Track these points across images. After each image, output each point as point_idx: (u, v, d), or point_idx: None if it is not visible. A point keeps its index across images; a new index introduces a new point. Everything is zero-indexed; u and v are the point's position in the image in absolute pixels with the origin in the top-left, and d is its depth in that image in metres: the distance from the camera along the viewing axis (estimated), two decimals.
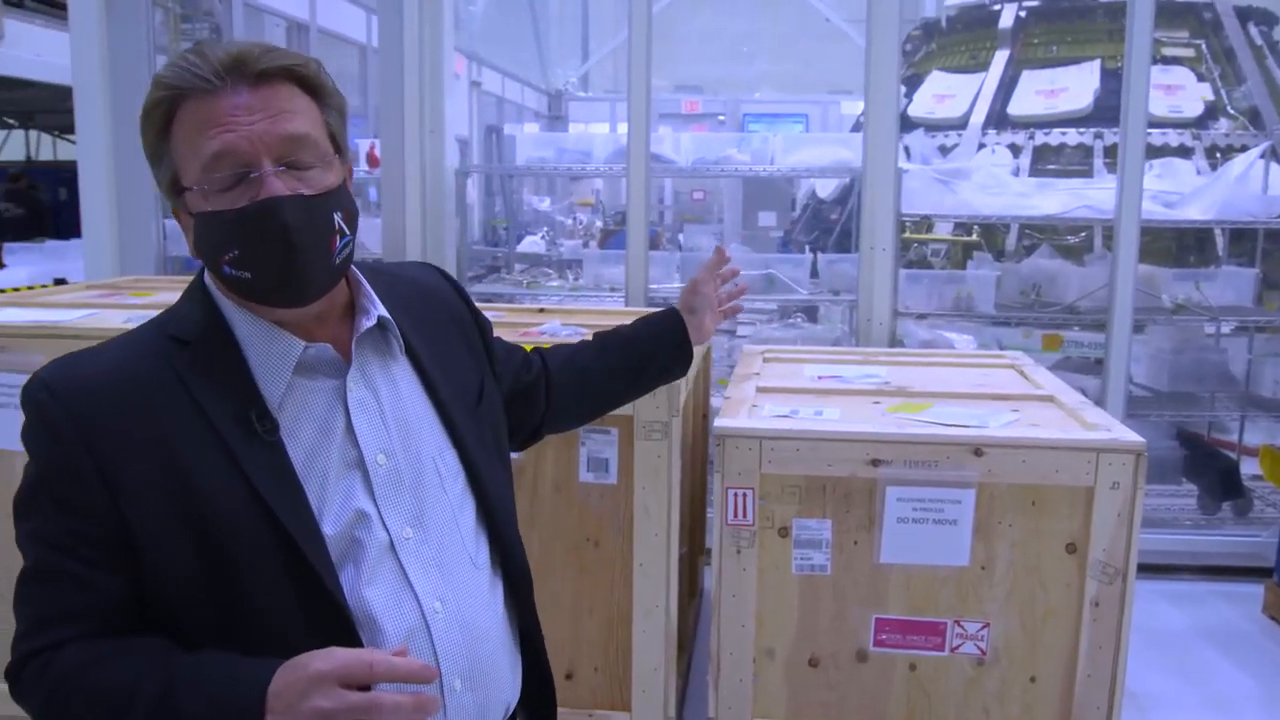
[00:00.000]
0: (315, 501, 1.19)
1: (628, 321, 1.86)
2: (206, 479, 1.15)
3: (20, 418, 1.18)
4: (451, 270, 4.64)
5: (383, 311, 1.29)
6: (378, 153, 4.60)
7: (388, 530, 1.23)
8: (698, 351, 1.98)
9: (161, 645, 1.15)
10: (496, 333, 1.58)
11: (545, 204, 11.06)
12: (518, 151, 7.23)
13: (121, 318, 2.95)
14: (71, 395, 1.16)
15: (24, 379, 3.23)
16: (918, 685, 2.44)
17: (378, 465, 1.24)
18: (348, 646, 1.09)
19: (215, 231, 1.16)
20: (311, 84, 1.21)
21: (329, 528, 1.19)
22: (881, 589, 2.42)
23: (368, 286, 1.31)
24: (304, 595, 1.16)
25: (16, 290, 5.07)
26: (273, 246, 1.15)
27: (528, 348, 1.73)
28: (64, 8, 4.53)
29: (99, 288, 3.90)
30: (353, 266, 1.32)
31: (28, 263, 7.01)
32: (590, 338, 1.85)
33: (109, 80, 4.41)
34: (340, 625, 1.16)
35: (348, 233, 1.22)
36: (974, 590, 2.39)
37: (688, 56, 14.70)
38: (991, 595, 2.39)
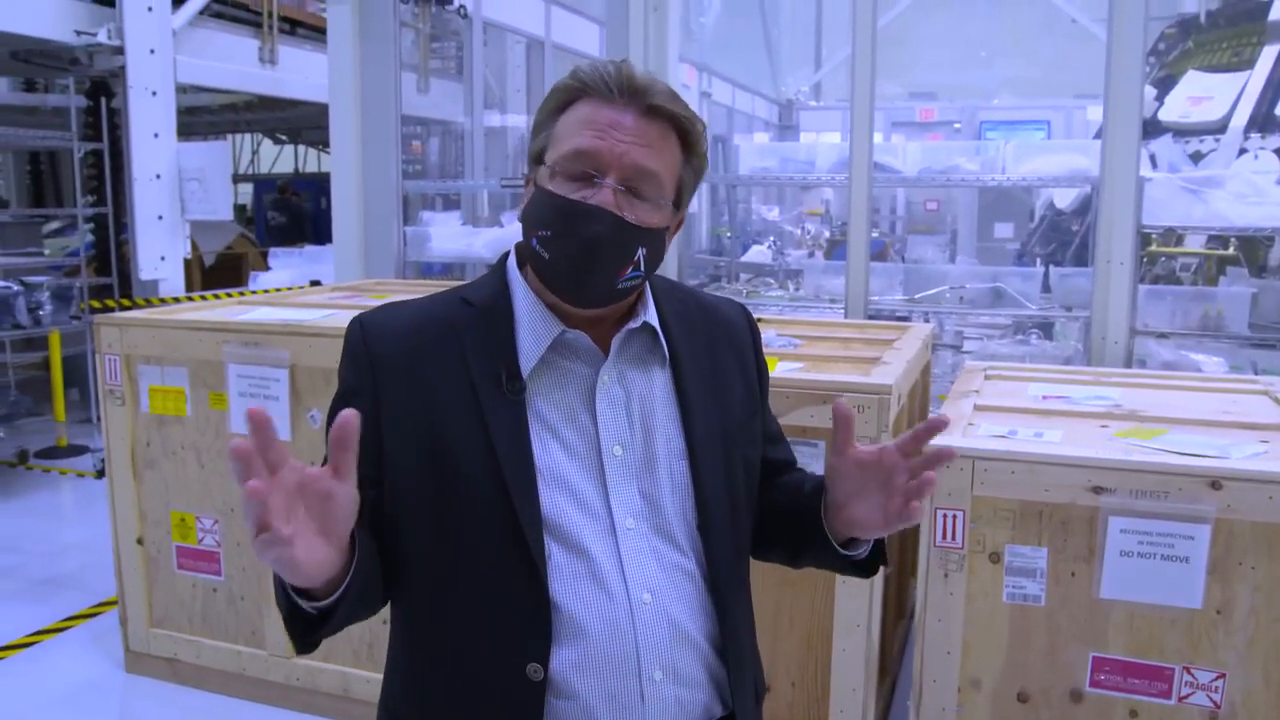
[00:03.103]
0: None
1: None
2: (454, 423, 1.31)
3: None
4: (671, 277, 4.70)
5: (652, 319, 1.38)
6: None
7: (611, 516, 1.31)
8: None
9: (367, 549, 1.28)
10: None
11: (774, 214, 11.02)
12: (741, 161, 7.25)
13: None
14: (373, 331, 1.37)
15: (274, 372, 3.49)
16: None
17: (613, 455, 1.33)
18: (539, 598, 1.26)
19: (542, 207, 1.31)
20: (689, 139, 1.33)
21: (550, 496, 1.30)
22: (1101, 625, 2.26)
23: (650, 295, 1.40)
24: (509, 545, 1.28)
25: (278, 290, 5.54)
26: (574, 244, 1.28)
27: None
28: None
29: (343, 289, 4.20)
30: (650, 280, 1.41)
31: (289, 265, 7.71)
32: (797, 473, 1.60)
33: (360, 98, 4.75)
34: (535, 580, 1.27)
35: (641, 269, 1.32)
36: (1207, 636, 2.20)
37: (923, 62, 14.26)
38: (1229, 643, 2.19)
